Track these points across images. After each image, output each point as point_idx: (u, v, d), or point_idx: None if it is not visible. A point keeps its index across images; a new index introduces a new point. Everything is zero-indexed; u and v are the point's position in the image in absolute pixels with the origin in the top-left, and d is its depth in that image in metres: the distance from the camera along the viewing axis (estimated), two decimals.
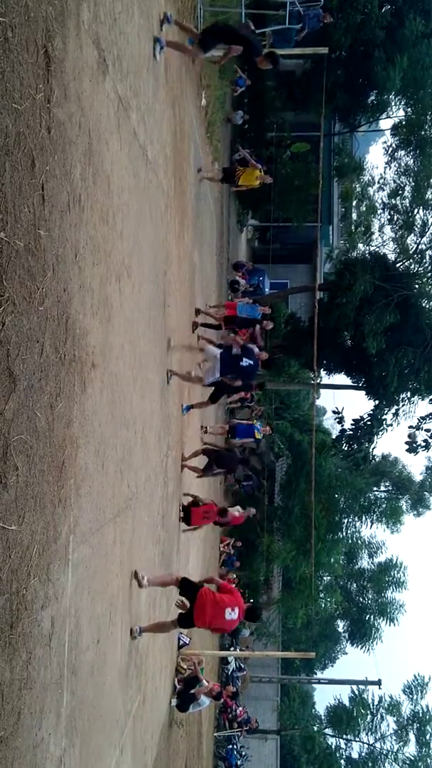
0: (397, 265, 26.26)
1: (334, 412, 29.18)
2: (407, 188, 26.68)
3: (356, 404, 33.89)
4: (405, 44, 24.74)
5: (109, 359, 5.15)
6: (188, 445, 11.34)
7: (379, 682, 29.43)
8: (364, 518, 33.87)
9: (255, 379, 10.91)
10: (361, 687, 33.31)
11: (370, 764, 34.43)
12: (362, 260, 25.99)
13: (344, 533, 33.53)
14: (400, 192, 26.93)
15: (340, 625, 39.25)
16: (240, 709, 25.85)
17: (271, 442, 29.41)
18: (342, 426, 28.88)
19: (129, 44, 5.83)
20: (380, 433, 28.07)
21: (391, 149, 27.24)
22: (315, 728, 37.24)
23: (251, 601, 7.40)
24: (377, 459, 33.57)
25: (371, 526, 34.45)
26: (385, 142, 28.28)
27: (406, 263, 26.42)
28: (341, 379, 30.08)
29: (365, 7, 24.10)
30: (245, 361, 9.90)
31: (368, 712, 34.55)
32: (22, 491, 3.29)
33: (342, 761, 35.61)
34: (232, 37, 8.11)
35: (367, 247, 28.23)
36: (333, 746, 36.01)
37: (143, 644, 7.09)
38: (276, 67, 8.46)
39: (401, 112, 28.37)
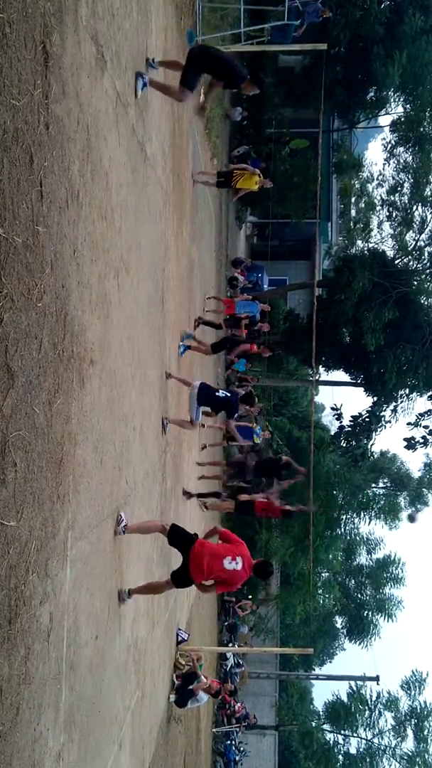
0: (396, 262, 26.27)
1: (332, 408, 29.24)
2: (406, 185, 26.70)
3: (355, 401, 34.04)
4: (404, 40, 24.72)
5: (107, 355, 5.15)
6: (186, 441, 11.35)
7: (377, 678, 29.45)
8: (362, 515, 33.93)
9: (235, 410, 11.06)
10: (359, 683, 33.36)
11: (368, 760, 34.52)
12: (361, 257, 25.99)
13: (342, 530, 33.61)
14: (399, 189, 26.94)
15: (339, 622, 39.34)
16: (238, 705, 25.91)
17: (269, 438, 29.44)
18: (341, 422, 28.93)
19: (127, 40, 5.82)
20: (379, 429, 28.12)
21: (390, 146, 27.25)
22: (313, 724, 37.33)
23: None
24: (376, 455, 33.63)
25: (369, 522, 34.53)
26: (384, 139, 28.31)
27: (404, 260, 26.43)
28: (340, 375, 30.16)
29: (364, 3, 24.05)
30: (222, 393, 10.05)
31: (366, 707, 34.65)
32: (21, 487, 3.30)
33: (340, 757, 35.72)
34: (213, 65, 7.19)
35: (366, 244, 28.24)
36: (331, 742, 36.11)
37: (141, 640, 7.11)
38: (261, 88, 7.80)
39: (400, 109, 28.42)
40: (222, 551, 6.78)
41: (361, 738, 35.01)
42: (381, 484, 35.96)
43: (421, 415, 26.92)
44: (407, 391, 26.31)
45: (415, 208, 26.37)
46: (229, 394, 10.10)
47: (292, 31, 15.13)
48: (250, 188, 13.52)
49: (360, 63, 25.36)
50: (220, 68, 7.24)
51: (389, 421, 27.74)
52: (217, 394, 9.88)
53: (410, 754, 32.91)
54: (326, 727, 36.80)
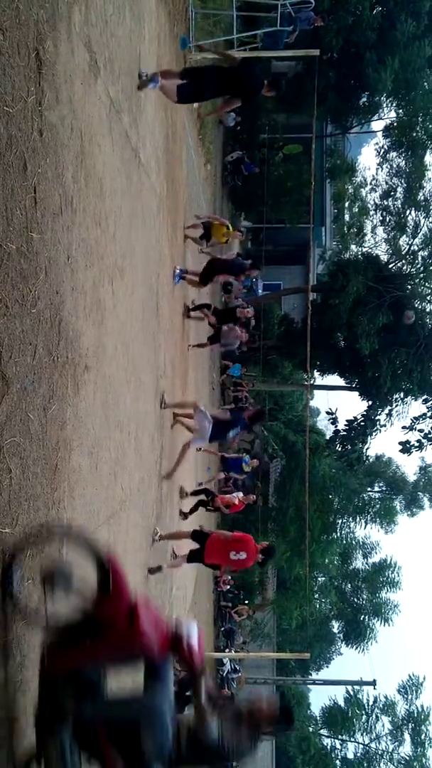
0: (390, 266, 26.35)
1: (327, 413, 29.24)
2: (399, 189, 26.81)
3: (350, 405, 34.10)
4: (396, 46, 24.84)
5: (102, 361, 5.15)
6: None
7: (374, 683, 29.42)
8: (358, 519, 33.93)
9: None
10: (356, 687, 33.35)
11: (365, 764, 34.48)
12: (355, 261, 26.07)
13: (338, 534, 33.59)
14: (392, 193, 27.05)
15: (335, 626, 39.31)
16: None
17: (265, 443, 29.46)
18: (336, 427, 28.94)
19: (120, 47, 5.84)
20: (374, 433, 28.15)
21: (383, 151, 27.36)
22: (310, 729, 37.27)
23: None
24: (371, 459, 33.66)
25: (365, 526, 34.54)
26: (377, 144, 28.43)
27: (398, 264, 26.51)
28: (335, 380, 30.19)
29: (357, 9, 24.17)
30: (232, 433, 10.45)
31: (363, 712, 34.62)
32: (16, 494, 3.30)
33: (337, 762, 35.65)
34: (224, 84, 7.18)
35: (360, 248, 28.33)
36: (328, 747, 36.06)
37: None
38: (279, 92, 7.85)
39: (393, 114, 28.54)
40: (230, 546, 8.83)
41: (358, 743, 34.98)
42: (376, 488, 35.97)
43: (416, 418, 26.95)
44: (402, 394, 26.36)
45: (408, 212, 26.48)
46: (237, 430, 10.50)
47: (285, 37, 15.17)
48: (219, 240, 13.25)
49: (352, 68, 25.46)
50: (234, 88, 7.21)
51: (384, 425, 27.78)
52: (228, 435, 10.45)
53: (407, 758, 32.88)
54: (323, 732, 36.76)
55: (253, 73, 7.32)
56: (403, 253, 26.49)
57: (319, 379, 31.19)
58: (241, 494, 14.49)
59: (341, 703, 35.50)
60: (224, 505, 13.36)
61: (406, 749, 33.26)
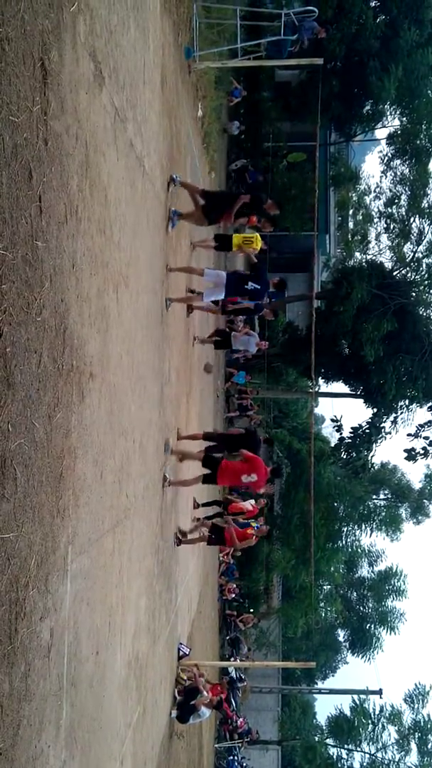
0: (394, 274, 26.37)
1: (332, 420, 29.27)
2: (403, 197, 26.89)
3: (355, 412, 34.05)
4: (399, 54, 24.93)
5: (107, 369, 5.15)
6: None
7: (380, 692, 29.29)
8: (363, 526, 33.86)
9: (263, 300, 10.43)
10: (362, 696, 33.18)
11: None
12: (359, 269, 26.10)
13: (344, 542, 33.53)
14: (396, 201, 27.13)
15: (341, 635, 39.18)
16: (241, 720, 25.72)
17: (270, 451, 29.42)
18: (341, 434, 28.94)
19: (125, 57, 5.86)
20: (379, 440, 28.12)
21: (386, 158, 27.46)
22: (316, 738, 37.06)
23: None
24: (376, 467, 33.60)
25: (371, 534, 34.46)
26: (380, 152, 28.55)
27: (402, 271, 26.53)
28: (339, 387, 30.19)
29: (360, 18, 24.30)
30: (251, 285, 9.71)
31: (369, 721, 34.41)
32: (21, 502, 3.29)
33: None
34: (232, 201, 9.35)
35: (364, 256, 28.39)
36: (334, 756, 35.82)
37: (143, 655, 7.07)
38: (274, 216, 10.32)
39: (396, 122, 28.63)
40: (240, 469, 9.32)
41: (364, 752, 34.76)
42: (382, 496, 35.90)
43: (421, 426, 26.94)
44: (407, 402, 26.34)
45: (412, 219, 26.54)
46: (259, 286, 9.78)
47: (288, 46, 15.20)
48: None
49: (356, 77, 25.57)
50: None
51: (389, 433, 27.78)
52: (246, 287, 9.84)
53: None
54: (329, 741, 36.54)
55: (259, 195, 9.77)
56: (407, 260, 26.52)
57: (323, 387, 31.19)
58: (252, 501, 14.47)
59: (347, 712, 35.31)
60: (238, 512, 13.34)
61: (413, 759, 33.06)
